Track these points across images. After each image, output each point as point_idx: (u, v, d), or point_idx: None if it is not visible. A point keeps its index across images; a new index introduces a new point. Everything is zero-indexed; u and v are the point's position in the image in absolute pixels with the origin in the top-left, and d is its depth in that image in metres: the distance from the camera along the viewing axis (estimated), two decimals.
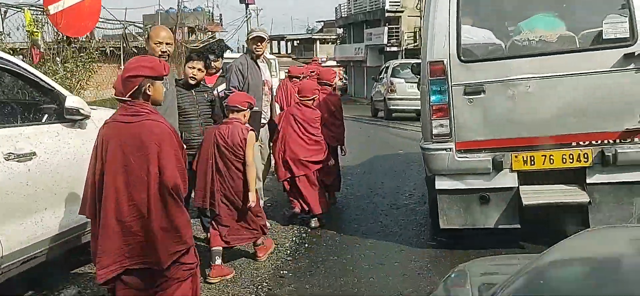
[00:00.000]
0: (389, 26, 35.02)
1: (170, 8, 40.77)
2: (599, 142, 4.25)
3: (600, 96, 4.23)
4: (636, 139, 4.20)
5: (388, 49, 33.91)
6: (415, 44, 31.65)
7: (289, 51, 58.78)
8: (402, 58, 27.83)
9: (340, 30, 50.26)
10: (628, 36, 4.16)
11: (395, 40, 34.42)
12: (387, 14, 35.69)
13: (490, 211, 4.49)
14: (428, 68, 4.44)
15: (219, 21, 51.15)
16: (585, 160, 4.27)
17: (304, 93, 5.62)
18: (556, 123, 4.29)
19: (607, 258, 1.89)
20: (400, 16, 35.26)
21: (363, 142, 11.63)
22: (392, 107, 15.26)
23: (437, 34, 4.42)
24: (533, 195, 4.37)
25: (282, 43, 60.67)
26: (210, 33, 49.69)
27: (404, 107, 14.88)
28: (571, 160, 4.31)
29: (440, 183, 4.53)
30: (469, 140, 4.44)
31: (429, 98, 4.44)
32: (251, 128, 4.44)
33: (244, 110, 4.37)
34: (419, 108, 14.68)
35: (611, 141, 4.24)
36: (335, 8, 47.92)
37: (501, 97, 4.37)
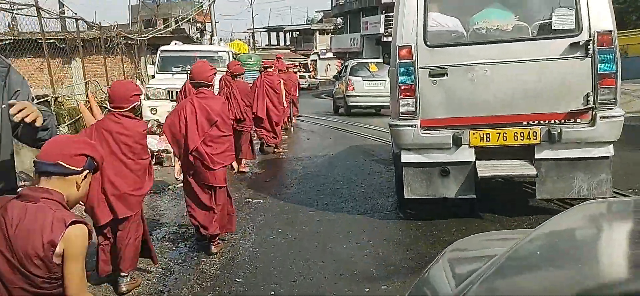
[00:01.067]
0: (386, 14, 32.00)
1: None
2: (547, 122, 4.75)
3: (549, 81, 4.72)
4: (579, 120, 4.71)
5: (385, 39, 30.72)
6: None
7: (288, 43, 57.83)
8: None
9: (339, 20, 48.57)
10: (574, 28, 4.65)
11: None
12: (384, 1, 32.99)
13: (450, 183, 4.99)
14: (397, 51, 4.91)
15: (207, 7, 51.09)
16: (534, 138, 4.77)
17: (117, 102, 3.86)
18: (510, 104, 4.78)
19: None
20: None
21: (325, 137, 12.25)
22: (351, 104, 16.22)
23: (406, 21, 4.89)
24: (488, 169, 4.87)
25: (281, 34, 59.63)
26: (199, 24, 46.60)
27: (361, 103, 16.02)
28: (522, 138, 4.81)
29: (406, 157, 5.03)
30: (432, 118, 4.92)
31: (398, 79, 4.92)
32: None
33: None
34: (375, 104, 15.40)
35: (557, 121, 4.74)
36: None
37: (462, 80, 4.85)
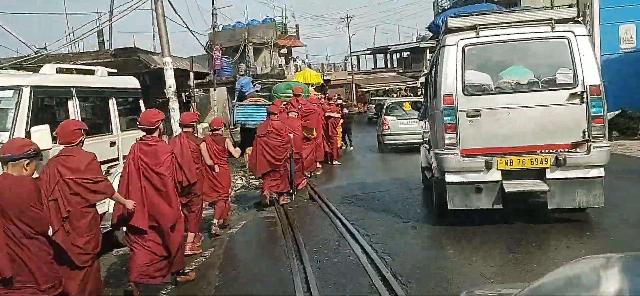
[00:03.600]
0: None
1: (238, 22, 37.39)
2: (555, 150, 6.41)
3: (556, 120, 6.41)
4: (578, 149, 6.38)
5: None
6: None
7: (395, 65, 52.26)
8: None
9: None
10: (573, 82, 6.38)
11: None
12: None
13: (483, 197, 6.60)
14: (442, 98, 6.59)
15: (294, 33, 45.46)
16: (546, 162, 6.43)
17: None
18: (527, 138, 6.44)
19: None
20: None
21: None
22: (386, 142, 17.20)
23: (449, 76, 6.59)
24: (512, 186, 6.50)
25: (387, 56, 53.87)
26: (283, 49, 42.68)
27: (396, 141, 16.89)
28: (537, 163, 6.46)
29: (450, 177, 6.65)
30: (469, 148, 6.56)
31: (443, 119, 6.58)
32: None
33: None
34: (409, 141, 16.27)
35: (563, 150, 6.40)
36: (433, 1, 36.05)
37: (491, 119, 6.52)
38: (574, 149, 6.40)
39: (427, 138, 8.94)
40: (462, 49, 6.60)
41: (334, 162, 15.02)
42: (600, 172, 6.38)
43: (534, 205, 7.20)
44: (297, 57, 51.01)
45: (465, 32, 6.68)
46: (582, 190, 6.41)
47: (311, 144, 12.24)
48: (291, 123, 10.42)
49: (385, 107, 18.25)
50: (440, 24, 8.96)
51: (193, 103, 15.83)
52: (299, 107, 12.55)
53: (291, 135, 9.75)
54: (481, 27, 6.64)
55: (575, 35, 6.43)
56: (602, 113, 6.35)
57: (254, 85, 19.66)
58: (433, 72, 7.69)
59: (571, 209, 6.74)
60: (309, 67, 47.38)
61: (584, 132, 6.34)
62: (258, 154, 9.25)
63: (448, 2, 33.00)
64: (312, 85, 21.25)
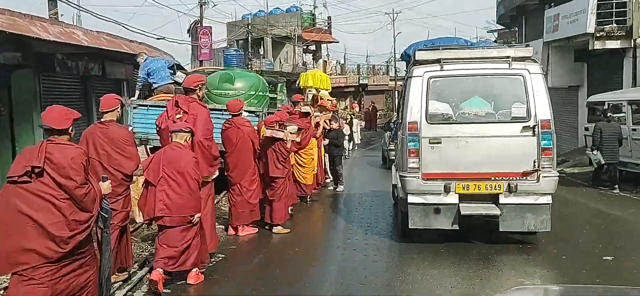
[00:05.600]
0: None
1: (260, 11, 31.44)
2: (507, 178, 6.98)
3: (509, 150, 6.99)
4: (528, 177, 6.95)
5: (598, 46, 15.70)
6: None
7: None
8: (634, 65, 15.45)
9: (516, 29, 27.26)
10: (526, 116, 6.97)
11: (617, 26, 15.52)
12: None
13: (441, 218, 7.13)
14: (407, 125, 7.13)
15: (325, 26, 37.33)
16: (499, 188, 6.99)
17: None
18: (482, 165, 7.00)
19: None
20: None
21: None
22: (392, 157, 17.00)
23: (414, 105, 7.13)
24: (468, 208, 7.05)
25: None
26: (309, 43, 34.97)
27: None
28: (491, 188, 7.02)
29: (411, 198, 7.18)
30: (430, 172, 7.10)
31: (407, 144, 7.11)
32: None
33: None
34: None
35: (514, 178, 6.97)
36: None
37: (451, 146, 7.07)
38: (525, 177, 6.97)
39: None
40: (428, 80, 7.17)
41: (307, 200, 11.01)
42: (548, 199, 6.97)
43: (489, 226, 7.73)
44: (328, 56, 43.65)
45: (431, 64, 7.26)
46: (531, 214, 6.98)
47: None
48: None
49: (390, 124, 16.38)
50: (410, 54, 9.53)
51: None
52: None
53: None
54: (445, 60, 7.22)
55: (529, 73, 7.04)
56: (551, 146, 6.94)
57: (174, 72, 12.00)
58: (401, 99, 8.24)
59: (522, 232, 7.31)
60: (342, 68, 42.51)
61: (534, 161, 6.92)
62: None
63: None
64: (311, 90, 15.62)
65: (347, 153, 18.79)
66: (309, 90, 15.76)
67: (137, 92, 11.30)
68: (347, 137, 17.81)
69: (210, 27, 25.51)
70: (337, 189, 12.72)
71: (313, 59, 36.50)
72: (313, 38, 35.48)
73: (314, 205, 10.99)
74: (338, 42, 42.74)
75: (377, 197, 11.46)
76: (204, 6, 26.29)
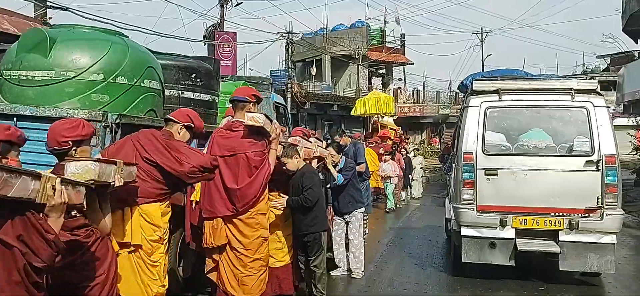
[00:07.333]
0: None
1: (321, 28, 27.03)
2: (569, 214, 6.67)
3: (571, 185, 6.69)
4: (591, 215, 6.62)
5: None
6: None
7: None
8: None
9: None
10: (589, 150, 6.67)
11: None
12: None
13: (496, 253, 6.88)
14: (462, 156, 6.97)
15: (398, 43, 31.75)
16: (559, 225, 6.68)
17: None
18: (541, 199, 6.73)
19: None
20: None
21: None
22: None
23: (470, 135, 6.98)
24: (525, 244, 6.77)
25: None
26: (378, 65, 29.78)
27: None
28: (550, 224, 6.72)
29: (465, 231, 6.97)
30: (486, 205, 6.89)
31: (462, 175, 6.94)
32: None
33: None
34: None
35: (576, 214, 6.65)
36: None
37: (508, 179, 6.85)
38: (587, 214, 6.64)
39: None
40: (485, 110, 7.01)
41: None
42: (613, 238, 6.60)
43: (547, 264, 7.38)
44: (400, 80, 37.25)
45: (488, 94, 7.10)
46: (593, 254, 6.62)
47: None
48: None
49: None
50: (467, 84, 9.37)
51: None
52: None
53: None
54: (504, 91, 7.05)
55: (593, 106, 6.76)
56: (616, 182, 6.60)
57: None
58: (456, 130, 8.09)
59: (584, 272, 6.94)
60: (418, 95, 37.98)
61: (598, 198, 6.59)
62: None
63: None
64: (369, 115, 13.96)
65: (394, 205, 13.65)
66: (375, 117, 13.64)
67: None
68: (394, 182, 13.44)
69: (234, 33, 19.89)
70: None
71: (382, 83, 31.56)
72: (382, 58, 30.19)
73: None
74: (413, 64, 35.30)
75: None
76: (224, 6, 20.79)
